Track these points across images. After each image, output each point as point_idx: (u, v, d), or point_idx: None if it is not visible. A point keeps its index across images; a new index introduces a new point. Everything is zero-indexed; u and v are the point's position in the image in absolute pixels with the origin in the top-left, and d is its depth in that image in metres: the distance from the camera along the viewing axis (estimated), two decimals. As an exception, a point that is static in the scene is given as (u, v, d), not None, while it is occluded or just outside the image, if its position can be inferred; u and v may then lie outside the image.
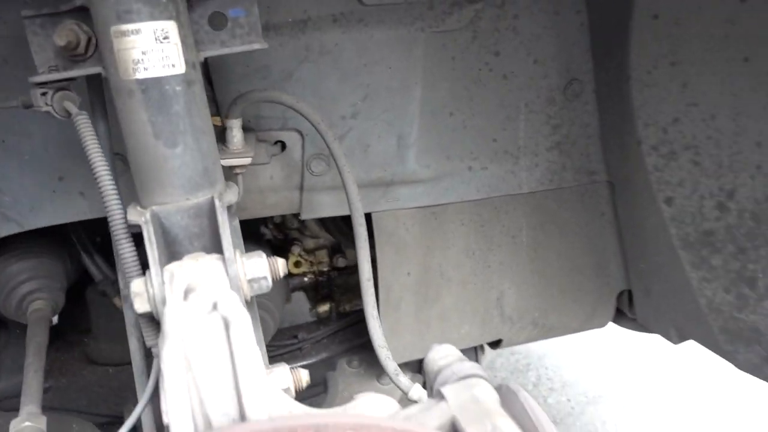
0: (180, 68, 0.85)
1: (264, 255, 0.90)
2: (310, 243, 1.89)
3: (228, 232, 0.87)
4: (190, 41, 0.88)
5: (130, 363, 1.74)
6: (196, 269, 0.85)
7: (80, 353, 1.77)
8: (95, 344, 1.76)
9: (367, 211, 1.43)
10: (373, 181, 1.43)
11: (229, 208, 0.92)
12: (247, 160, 1.15)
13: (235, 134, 1.15)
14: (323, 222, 1.85)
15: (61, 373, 1.70)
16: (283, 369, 0.93)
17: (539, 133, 1.50)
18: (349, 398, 0.78)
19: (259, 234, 1.92)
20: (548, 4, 1.40)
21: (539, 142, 1.51)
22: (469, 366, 0.81)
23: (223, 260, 0.86)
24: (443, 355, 0.86)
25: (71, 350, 1.77)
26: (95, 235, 1.69)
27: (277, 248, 1.95)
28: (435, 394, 0.78)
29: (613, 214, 1.60)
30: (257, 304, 0.97)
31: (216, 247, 0.89)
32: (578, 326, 1.77)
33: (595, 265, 1.66)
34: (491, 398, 0.72)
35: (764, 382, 1.35)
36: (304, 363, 1.85)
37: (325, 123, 1.20)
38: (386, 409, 0.83)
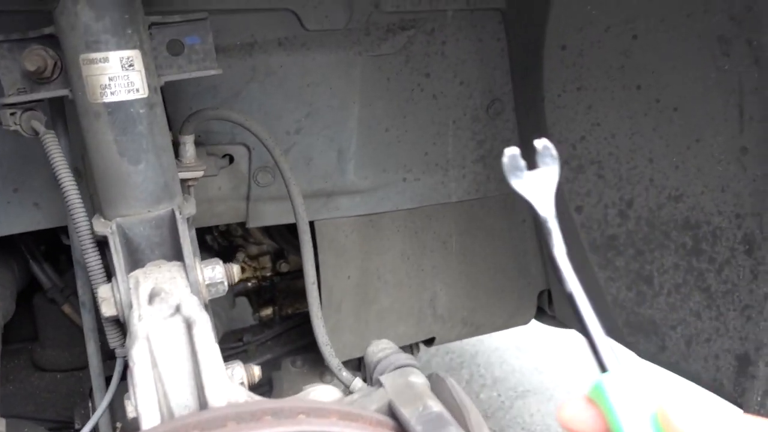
0: (143, 92, 0.93)
1: (221, 262, 0.99)
2: (253, 249, 1.95)
3: (188, 241, 0.95)
4: (152, 67, 0.96)
5: (77, 369, 1.78)
6: (159, 275, 0.93)
7: (26, 360, 1.78)
8: (42, 351, 1.76)
9: (310, 219, 1.51)
10: (315, 192, 1.52)
11: (187, 219, 1.00)
12: (200, 173, 1.22)
13: (188, 149, 1.21)
14: (267, 229, 1.91)
15: (7, 380, 1.70)
16: (237, 365, 1.02)
17: (466, 148, 1.64)
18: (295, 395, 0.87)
19: (204, 241, 1.97)
20: (472, 32, 1.54)
21: (466, 155, 1.64)
22: (404, 357, 0.92)
23: (184, 267, 0.94)
24: (381, 348, 0.97)
25: (17, 357, 1.77)
26: (40, 244, 1.71)
27: (222, 255, 1.99)
28: (374, 382, 0.88)
29: (533, 222, 1.75)
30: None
31: (176, 255, 0.97)
32: (503, 323, 1.90)
33: (518, 267, 1.80)
34: (423, 384, 0.84)
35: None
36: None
37: (272, 139, 1.28)
38: (331, 397, 0.94)
